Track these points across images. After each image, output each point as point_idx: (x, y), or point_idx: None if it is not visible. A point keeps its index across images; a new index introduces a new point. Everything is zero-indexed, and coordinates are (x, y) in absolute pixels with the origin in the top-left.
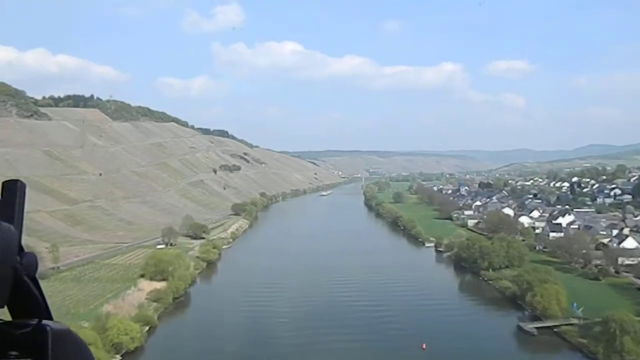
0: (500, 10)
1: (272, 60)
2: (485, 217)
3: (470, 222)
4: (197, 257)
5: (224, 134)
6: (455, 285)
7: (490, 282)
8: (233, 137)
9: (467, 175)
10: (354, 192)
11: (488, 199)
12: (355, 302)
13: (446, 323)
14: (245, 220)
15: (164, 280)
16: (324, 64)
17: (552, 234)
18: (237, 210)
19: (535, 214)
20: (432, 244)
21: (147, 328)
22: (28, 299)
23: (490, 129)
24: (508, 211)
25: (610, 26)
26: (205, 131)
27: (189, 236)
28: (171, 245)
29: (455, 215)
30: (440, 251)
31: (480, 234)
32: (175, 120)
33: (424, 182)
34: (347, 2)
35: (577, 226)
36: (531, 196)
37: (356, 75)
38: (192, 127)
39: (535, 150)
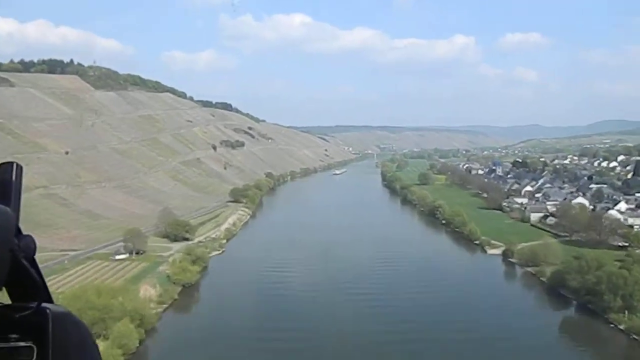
0: None
1: (281, 33)
2: (555, 209)
3: (534, 217)
4: (169, 276)
5: (227, 106)
6: (554, 326)
7: (637, 338)
8: (237, 111)
9: (485, 152)
10: (368, 171)
11: (537, 182)
12: None
13: None
14: (246, 210)
15: (97, 337)
16: (334, 37)
17: None
18: (237, 196)
19: (622, 206)
20: (497, 251)
21: None
22: (27, 282)
23: (501, 104)
24: (581, 201)
25: None
26: (207, 104)
27: (168, 237)
28: (137, 254)
29: (506, 205)
30: (510, 262)
31: (555, 234)
32: (171, 91)
33: (441, 159)
34: None
35: None
36: (586, 179)
37: (367, 48)
38: (191, 98)
39: (547, 126)
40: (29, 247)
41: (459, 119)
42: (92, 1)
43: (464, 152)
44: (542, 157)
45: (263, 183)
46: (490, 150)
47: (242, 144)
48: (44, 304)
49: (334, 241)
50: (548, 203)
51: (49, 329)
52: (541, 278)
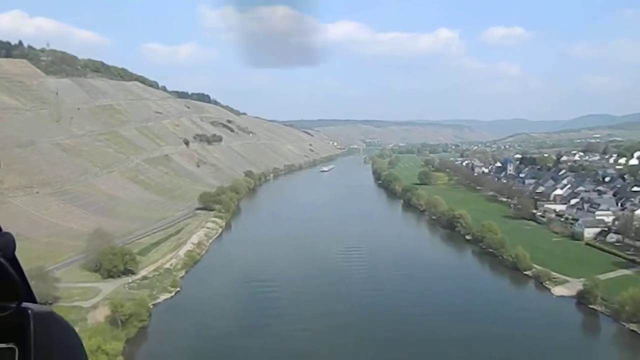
0: None
1: (263, 25)
2: (612, 222)
3: (588, 232)
4: None
5: (204, 98)
6: None
7: None
8: (216, 103)
9: (474, 147)
10: (357, 167)
11: (559, 183)
12: None
13: None
14: (218, 221)
15: None
16: (317, 30)
17: None
18: (208, 202)
19: None
20: (567, 290)
21: None
22: (5, 281)
23: (485, 98)
24: None
25: None
26: (182, 95)
27: (99, 271)
28: (45, 304)
29: (539, 213)
30: (592, 309)
31: (631, 260)
32: (140, 79)
33: (431, 154)
34: None
35: None
36: (621, 180)
37: (350, 42)
38: (164, 88)
39: (531, 120)
40: (8, 245)
41: (444, 113)
42: None
43: (453, 146)
44: (545, 153)
45: (241, 183)
46: (480, 145)
47: (220, 139)
48: (25, 304)
49: (331, 269)
50: (598, 213)
51: (30, 329)
52: None
